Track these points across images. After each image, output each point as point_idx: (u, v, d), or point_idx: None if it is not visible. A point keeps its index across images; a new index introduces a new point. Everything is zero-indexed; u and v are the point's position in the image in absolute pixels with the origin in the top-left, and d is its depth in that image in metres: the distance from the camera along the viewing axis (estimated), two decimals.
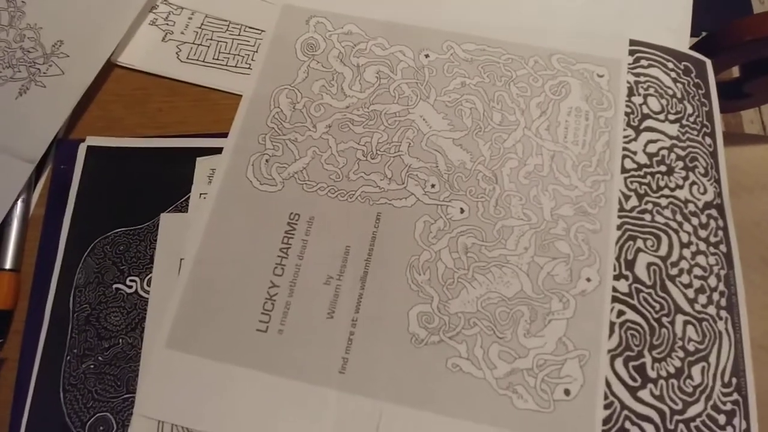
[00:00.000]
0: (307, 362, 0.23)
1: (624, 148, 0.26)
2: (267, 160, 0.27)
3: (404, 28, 0.29)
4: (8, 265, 0.26)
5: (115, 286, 0.25)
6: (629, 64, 0.28)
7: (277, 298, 0.24)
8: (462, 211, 0.25)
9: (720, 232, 0.26)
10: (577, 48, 0.28)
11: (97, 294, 0.25)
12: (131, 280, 0.25)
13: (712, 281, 0.25)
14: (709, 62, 0.29)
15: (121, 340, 0.25)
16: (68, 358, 0.24)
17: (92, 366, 0.24)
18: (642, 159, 0.26)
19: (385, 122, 0.27)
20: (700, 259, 0.25)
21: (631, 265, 0.24)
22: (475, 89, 0.28)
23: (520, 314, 0.23)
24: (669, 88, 0.28)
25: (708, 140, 0.27)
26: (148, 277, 0.25)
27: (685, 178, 0.26)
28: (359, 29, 0.29)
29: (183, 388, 0.23)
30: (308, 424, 0.22)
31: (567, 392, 0.22)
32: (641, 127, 0.27)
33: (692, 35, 0.30)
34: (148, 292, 0.25)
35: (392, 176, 0.26)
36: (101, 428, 0.23)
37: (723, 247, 0.25)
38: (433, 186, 0.26)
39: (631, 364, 0.23)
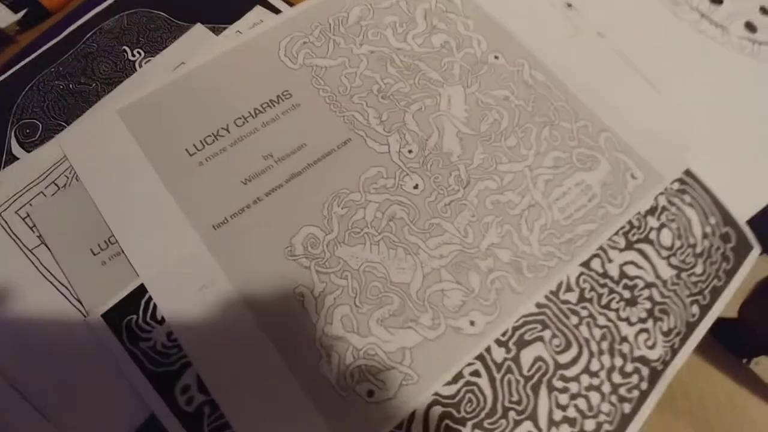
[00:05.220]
0: (197, 202, 0.24)
1: (602, 249, 0.24)
2: (304, 43, 0.28)
3: (494, 26, 0.29)
4: None
5: (124, 47, 0.28)
6: (670, 187, 0.25)
7: (219, 141, 0.25)
8: (416, 186, 0.24)
9: (635, 392, 0.22)
10: (630, 140, 0.26)
11: (108, 44, 0.28)
12: (138, 52, 0.27)
13: (589, 425, 0.21)
14: (757, 251, 0.26)
15: (95, 86, 0.27)
16: (51, 69, 0.27)
17: (61, 86, 0.26)
18: (613, 271, 0.24)
19: (416, 80, 0.27)
20: (594, 398, 0.22)
21: (521, 344, 0.22)
22: (513, 109, 0.26)
23: (389, 301, 0.22)
24: (693, 237, 0.25)
25: (695, 310, 0.24)
26: (150, 58, 0.27)
27: (642, 322, 0.23)
28: (460, 3, 0.29)
29: (101, 151, 0.25)
30: (161, 248, 0.23)
31: (370, 393, 0.20)
32: (635, 246, 0.24)
33: None
34: (140, 68, 0.27)
35: (385, 121, 0.26)
36: (28, 130, 0.25)
37: (627, 408, 0.22)
38: (410, 152, 0.25)
39: (446, 421, 0.20)
